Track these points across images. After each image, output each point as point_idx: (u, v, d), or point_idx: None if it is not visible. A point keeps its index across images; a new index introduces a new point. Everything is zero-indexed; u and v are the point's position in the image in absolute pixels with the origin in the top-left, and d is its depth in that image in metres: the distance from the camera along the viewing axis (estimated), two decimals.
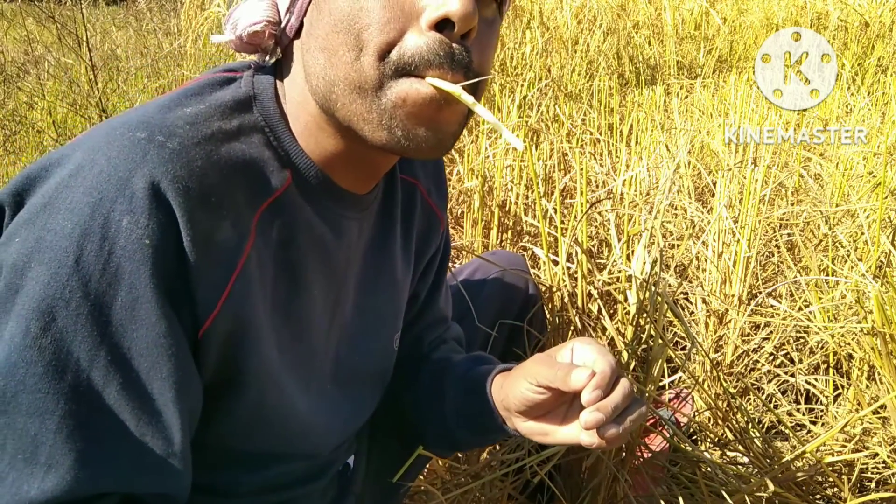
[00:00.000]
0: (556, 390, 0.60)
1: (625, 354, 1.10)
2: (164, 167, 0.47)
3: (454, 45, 0.50)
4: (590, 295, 1.21)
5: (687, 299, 1.61)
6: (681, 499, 1.01)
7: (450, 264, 0.87)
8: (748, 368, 1.48)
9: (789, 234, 1.70)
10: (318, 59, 0.52)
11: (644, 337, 1.09)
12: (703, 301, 1.52)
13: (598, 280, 1.25)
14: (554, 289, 1.18)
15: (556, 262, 1.21)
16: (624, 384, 0.58)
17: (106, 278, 0.46)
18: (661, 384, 1.32)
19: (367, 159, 0.59)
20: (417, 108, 0.51)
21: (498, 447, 1.03)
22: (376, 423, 0.85)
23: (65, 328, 0.45)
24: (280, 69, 0.58)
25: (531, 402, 0.62)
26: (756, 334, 1.50)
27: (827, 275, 1.52)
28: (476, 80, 0.52)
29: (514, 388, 0.64)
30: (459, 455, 1.11)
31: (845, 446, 1.22)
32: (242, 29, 0.55)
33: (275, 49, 0.57)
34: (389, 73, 0.50)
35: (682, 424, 1.27)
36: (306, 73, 0.54)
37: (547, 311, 1.23)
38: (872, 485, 1.22)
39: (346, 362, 0.67)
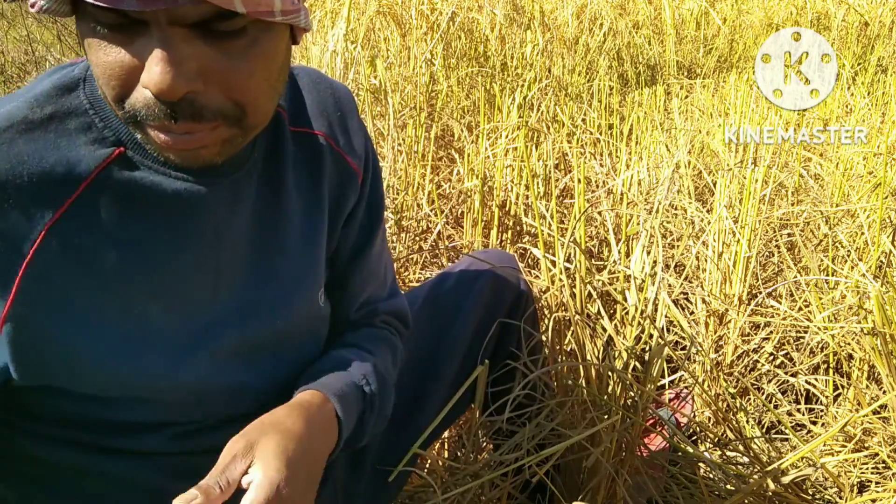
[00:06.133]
0: None
1: (624, 354, 1.10)
2: None
3: (173, 100, 0.49)
4: (589, 295, 1.21)
5: (687, 299, 1.61)
6: (681, 499, 1.01)
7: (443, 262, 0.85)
8: (748, 368, 1.48)
9: (789, 234, 1.70)
10: None
11: (644, 337, 1.09)
12: (703, 301, 1.52)
13: (598, 280, 1.25)
14: (552, 289, 1.18)
15: (555, 263, 1.21)
16: None
17: None
18: (660, 384, 1.32)
19: None
20: (163, 149, 0.53)
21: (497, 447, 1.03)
22: None
23: None
24: None
25: None
26: (756, 334, 1.50)
27: (827, 275, 1.52)
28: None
29: None
30: (459, 455, 1.11)
31: (845, 446, 1.22)
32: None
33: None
34: (128, 118, 0.52)
35: (682, 424, 1.27)
36: None
37: (547, 312, 1.23)
38: (872, 485, 1.22)
39: (255, 329, 0.66)
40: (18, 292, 0.52)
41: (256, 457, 0.56)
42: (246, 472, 0.55)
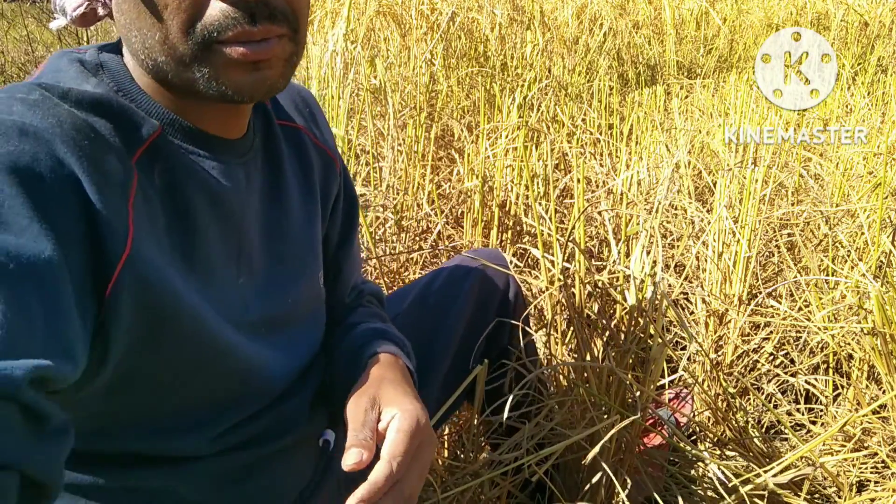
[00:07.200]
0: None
1: (624, 354, 1.10)
2: (31, 111, 0.49)
3: (250, 2, 0.52)
4: (589, 295, 1.21)
5: (687, 299, 1.61)
6: (680, 499, 1.01)
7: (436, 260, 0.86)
8: (748, 368, 1.48)
9: (789, 234, 1.70)
10: (136, 37, 0.54)
11: (644, 337, 1.09)
12: (703, 301, 1.52)
13: (598, 280, 1.25)
14: (552, 289, 1.18)
15: (554, 263, 1.21)
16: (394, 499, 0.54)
17: None
18: (660, 384, 1.32)
19: (222, 106, 0.61)
20: (235, 70, 0.54)
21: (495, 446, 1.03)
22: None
23: None
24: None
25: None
26: (756, 334, 1.50)
27: (827, 275, 1.52)
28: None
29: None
30: (459, 454, 1.11)
31: (845, 446, 1.23)
32: (70, 14, 0.57)
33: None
34: (198, 44, 0.53)
35: (681, 424, 1.27)
36: (130, 49, 0.56)
37: (547, 312, 1.23)
38: (871, 484, 1.22)
39: (270, 309, 0.68)
40: (133, 246, 0.51)
41: (383, 403, 0.61)
42: (379, 420, 0.59)
